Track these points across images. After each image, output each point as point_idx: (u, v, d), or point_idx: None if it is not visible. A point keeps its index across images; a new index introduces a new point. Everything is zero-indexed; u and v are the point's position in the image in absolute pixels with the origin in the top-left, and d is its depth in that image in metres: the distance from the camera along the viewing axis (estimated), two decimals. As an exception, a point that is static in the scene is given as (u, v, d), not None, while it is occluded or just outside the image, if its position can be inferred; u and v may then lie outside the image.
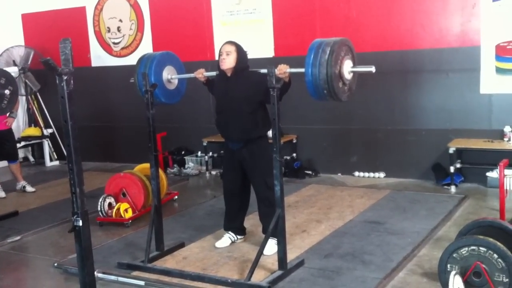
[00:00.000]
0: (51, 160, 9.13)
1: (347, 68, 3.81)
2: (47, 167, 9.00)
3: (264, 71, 4.11)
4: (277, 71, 3.93)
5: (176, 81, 4.75)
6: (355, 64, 3.90)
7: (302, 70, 3.75)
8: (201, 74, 4.58)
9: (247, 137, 4.41)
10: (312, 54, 3.69)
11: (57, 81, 2.88)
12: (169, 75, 4.67)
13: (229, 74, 4.43)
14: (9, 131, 7.02)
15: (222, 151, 4.70)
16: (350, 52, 3.88)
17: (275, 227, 4.03)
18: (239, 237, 4.80)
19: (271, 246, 4.37)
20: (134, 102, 7.05)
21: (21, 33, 9.37)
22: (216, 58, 7.68)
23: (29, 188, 7.20)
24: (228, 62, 4.36)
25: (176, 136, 8.11)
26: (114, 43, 8.69)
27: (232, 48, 4.37)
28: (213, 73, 4.59)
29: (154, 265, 4.36)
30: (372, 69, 3.84)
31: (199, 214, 5.88)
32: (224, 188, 4.74)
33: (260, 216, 4.61)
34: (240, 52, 4.40)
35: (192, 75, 4.63)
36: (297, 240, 4.81)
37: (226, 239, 4.75)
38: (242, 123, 4.38)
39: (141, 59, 4.67)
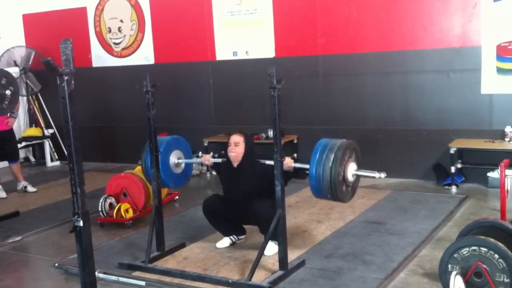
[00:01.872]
0: (52, 160, 9.14)
1: (351, 171, 3.89)
2: (48, 167, 9.00)
3: (269, 162, 4.19)
4: (284, 167, 4.04)
5: (183, 165, 4.84)
6: (359, 164, 3.97)
7: (307, 166, 3.87)
8: (208, 160, 4.75)
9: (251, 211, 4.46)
10: (316, 158, 3.78)
11: (58, 82, 2.88)
12: (177, 159, 4.75)
13: (235, 165, 4.51)
14: (10, 131, 7.02)
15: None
16: (354, 153, 3.96)
17: (275, 228, 4.03)
18: (240, 237, 4.80)
19: (272, 247, 4.38)
20: (135, 102, 7.07)
21: (22, 34, 9.38)
22: (217, 59, 7.82)
23: (30, 188, 7.21)
24: (238, 154, 4.46)
25: (177, 137, 8.10)
26: (115, 43, 8.69)
27: (240, 139, 4.47)
28: (219, 160, 4.75)
29: (155, 265, 4.36)
30: (375, 175, 3.89)
31: (200, 214, 5.83)
32: (205, 205, 4.69)
33: (261, 230, 4.55)
34: (248, 143, 4.51)
35: (198, 160, 4.86)
36: (298, 241, 4.81)
37: (227, 239, 4.76)
38: (248, 206, 4.43)
39: (148, 145, 4.68)
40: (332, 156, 3.75)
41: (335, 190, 3.77)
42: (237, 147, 4.46)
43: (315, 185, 3.83)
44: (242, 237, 4.82)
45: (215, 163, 4.80)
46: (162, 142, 4.66)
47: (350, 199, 4.09)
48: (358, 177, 4.02)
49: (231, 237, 4.76)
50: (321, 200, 6.08)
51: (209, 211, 4.67)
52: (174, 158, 4.75)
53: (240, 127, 5.01)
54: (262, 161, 4.47)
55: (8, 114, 6.74)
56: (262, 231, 4.52)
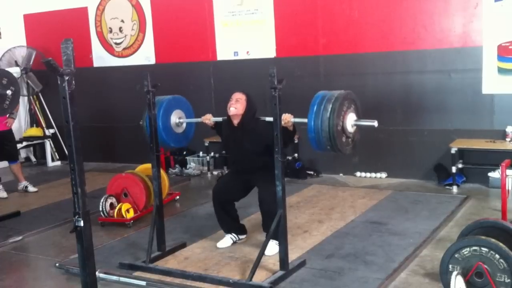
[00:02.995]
0: (52, 160, 9.15)
1: (350, 121, 3.83)
2: (49, 167, 9.01)
3: (269, 119, 4.14)
4: (282, 122, 3.99)
5: (184, 125, 4.81)
6: (359, 115, 3.92)
7: (305, 120, 3.80)
8: (208, 119, 4.66)
9: (257, 171, 4.47)
10: (313, 110, 3.72)
11: (59, 82, 2.88)
12: (178, 119, 4.72)
13: (235, 123, 4.49)
14: (10, 131, 7.03)
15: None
16: (353, 103, 3.90)
17: (276, 228, 4.03)
18: (240, 237, 4.80)
19: (273, 247, 4.37)
20: (136, 102, 7.07)
21: (23, 34, 9.39)
22: (218, 58, 7.82)
23: (31, 188, 7.21)
24: (237, 109, 4.42)
25: (178, 137, 8.10)
26: (116, 43, 8.70)
27: (242, 97, 4.45)
28: (220, 119, 4.66)
29: (155, 265, 4.36)
30: (375, 123, 3.85)
31: (201, 214, 5.88)
32: (216, 191, 4.70)
33: (264, 226, 4.57)
34: (250, 102, 4.47)
35: (199, 119, 4.71)
36: (299, 241, 4.81)
37: (228, 239, 4.75)
38: (252, 165, 4.47)
39: None
40: (330, 107, 3.66)
41: (334, 141, 3.68)
42: (237, 103, 4.42)
43: (314, 137, 3.73)
44: (243, 236, 4.82)
45: (216, 123, 4.71)
46: (163, 101, 4.62)
47: (351, 152, 3.97)
48: (358, 128, 3.93)
49: (231, 236, 4.76)
50: (322, 200, 6.14)
51: (218, 196, 4.65)
52: (175, 117, 4.69)
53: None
54: (263, 118, 4.41)
55: (7, 115, 6.74)
56: (264, 224, 4.53)
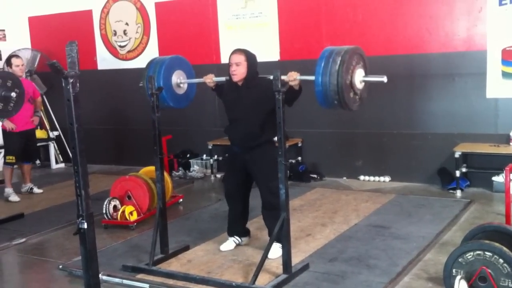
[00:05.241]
0: (56, 162, 9.17)
1: (359, 77, 3.74)
2: (53, 170, 9.03)
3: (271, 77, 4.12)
4: (286, 78, 3.91)
5: (185, 86, 4.74)
6: (367, 72, 3.84)
7: (312, 78, 3.70)
8: (210, 79, 4.52)
9: (255, 143, 4.38)
10: (322, 63, 3.62)
11: (63, 84, 2.89)
12: (179, 79, 4.66)
13: (239, 83, 4.40)
14: (34, 130, 7.10)
15: (226, 154, 4.63)
16: (361, 60, 3.81)
17: (279, 231, 4.03)
18: (243, 239, 4.80)
19: (276, 250, 4.36)
20: (140, 105, 7.09)
21: (28, 36, 9.42)
22: (222, 61, 7.83)
23: (37, 190, 7.24)
24: (239, 74, 4.32)
25: (182, 139, 8.12)
26: (120, 46, 8.72)
27: (241, 58, 4.31)
28: (223, 79, 4.52)
29: (158, 268, 4.36)
30: (384, 79, 3.76)
31: (204, 217, 5.89)
32: (226, 191, 4.72)
33: (264, 218, 4.60)
34: (250, 61, 4.35)
35: (201, 80, 4.58)
36: (302, 244, 4.81)
37: (231, 242, 4.75)
38: (252, 131, 4.36)
39: (150, 63, 4.68)
40: (339, 59, 3.55)
41: (342, 95, 3.56)
42: (239, 67, 4.30)
43: (321, 91, 3.60)
44: (246, 239, 4.82)
45: (217, 85, 4.57)
46: (164, 61, 4.59)
47: (357, 108, 3.86)
48: (366, 85, 3.83)
49: (235, 239, 4.75)
50: (325, 203, 6.14)
51: (232, 199, 4.64)
52: (176, 78, 4.62)
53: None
54: (265, 76, 4.29)
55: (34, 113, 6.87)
56: (269, 233, 4.49)
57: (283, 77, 3.97)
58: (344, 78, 3.57)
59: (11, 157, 6.79)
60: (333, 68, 3.57)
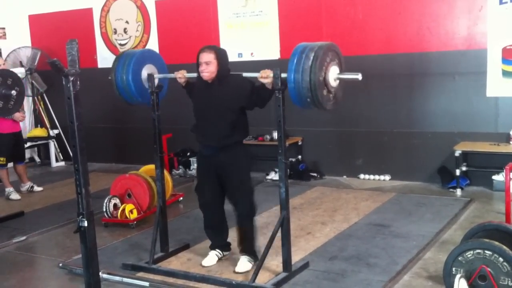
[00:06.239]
0: (57, 160, 9.16)
1: (333, 75, 3.65)
2: (53, 168, 9.02)
3: (246, 74, 4.09)
4: (259, 75, 3.84)
5: (156, 81, 4.49)
6: (342, 70, 3.74)
7: (285, 75, 3.62)
8: (182, 74, 4.30)
9: (226, 144, 4.17)
10: (295, 59, 3.53)
11: (64, 82, 2.89)
12: (148, 73, 4.44)
13: (210, 81, 4.18)
14: (21, 132, 7.11)
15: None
16: (336, 57, 3.71)
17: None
18: (225, 253, 4.51)
19: (244, 264, 4.24)
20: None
21: (28, 34, 9.42)
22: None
23: (37, 188, 7.26)
24: (210, 73, 4.10)
25: (182, 138, 8.10)
26: (120, 44, 8.71)
27: (211, 57, 4.09)
28: (194, 75, 4.30)
29: (158, 266, 4.36)
30: (359, 76, 3.66)
31: (204, 215, 5.88)
32: (202, 201, 4.44)
33: (237, 223, 4.36)
34: (221, 58, 4.14)
35: (172, 75, 4.40)
36: (302, 242, 4.81)
37: (213, 256, 4.45)
38: (222, 130, 4.16)
39: (120, 56, 4.48)
40: (312, 55, 3.45)
41: (315, 92, 3.46)
42: (209, 66, 4.07)
43: (294, 88, 3.49)
44: (227, 253, 4.54)
45: (188, 83, 4.34)
46: (135, 53, 4.45)
47: (332, 108, 3.74)
48: (341, 84, 3.72)
49: (216, 253, 4.47)
50: (325, 202, 6.14)
51: (207, 210, 4.45)
52: (146, 72, 4.41)
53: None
54: (237, 73, 4.15)
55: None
56: (241, 240, 4.34)
57: (255, 74, 3.91)
58: (317, 75, 3.47)
59: (1, 159, 6.81)
60: (306, 64, 3.48)
